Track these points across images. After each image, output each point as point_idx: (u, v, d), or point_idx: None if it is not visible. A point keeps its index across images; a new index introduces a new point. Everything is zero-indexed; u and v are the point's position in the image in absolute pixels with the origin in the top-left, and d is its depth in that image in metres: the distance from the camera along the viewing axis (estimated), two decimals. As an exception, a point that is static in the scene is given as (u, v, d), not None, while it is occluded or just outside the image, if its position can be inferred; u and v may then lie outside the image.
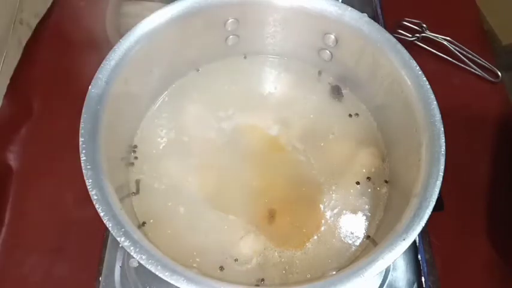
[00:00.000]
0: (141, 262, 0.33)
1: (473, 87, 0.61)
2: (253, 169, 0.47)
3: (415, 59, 0.43)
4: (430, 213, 0.36)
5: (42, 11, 0.63)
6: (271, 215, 0.45)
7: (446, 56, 0.62)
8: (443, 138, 0.39)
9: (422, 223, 0.35)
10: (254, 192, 0.46)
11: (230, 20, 0.48)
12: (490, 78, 0.61)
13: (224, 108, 0.51)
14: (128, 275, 0.45)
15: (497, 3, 0.69)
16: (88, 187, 0.35)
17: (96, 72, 0.40)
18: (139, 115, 0.49)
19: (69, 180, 0.49)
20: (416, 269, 0.47)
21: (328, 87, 0.53)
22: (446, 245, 0.50)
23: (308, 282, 0.34)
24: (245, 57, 0.54)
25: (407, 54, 0.43)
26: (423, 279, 0.46)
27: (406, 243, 0.34)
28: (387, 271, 0.46)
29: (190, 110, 0.51)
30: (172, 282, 0.32)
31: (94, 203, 0.35)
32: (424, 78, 0.42)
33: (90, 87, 0.39)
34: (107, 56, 0.41)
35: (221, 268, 0.42)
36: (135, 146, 0.48)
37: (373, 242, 0.43)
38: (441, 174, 0.37)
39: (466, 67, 0.61)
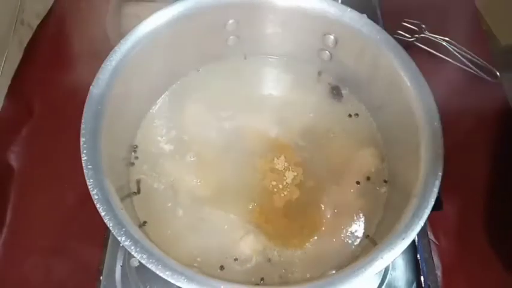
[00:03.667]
0: (142, 261, 0.33)
1: (472, 87, 0.61)
2: (254, 168, 0.47)
3: (414, 59, 0.43)
4: (429, 212, 0.36)
5: (43, 11, 0.63)
6: (272, 215, 0.45)
7: (445, 56, 0.62)
8: (442, 138, 0.39)
9: (422, 223, 0.35)
10: (254, 192, 0.46)
11: (230, 21, 0.48)
12: (489, 79, 0.61)
13: (224, 108, 0.51)
14: (129, 274, 0.45)
15: (496, 4, 0.69)
16: (89, 187, 0.35)
17: (97, 72, 0.40)
18: (139, 115, 0.49)
19: (70, 180, 0.50)
20: (416, 268, 0.47)
21: (328, 87, 0.53)
22: (445, 244, 0.51)
23: (308, 281, 0.34)
24: (245, 58, 0.54)
25: (407, 54, 0.43)
26: (422, 278, 0.46)
27: (405, 243, 0.34)
28: (386, 270, 0.47)
29: (190, 110, 0.51)
30: (172, 281, 0.32)
31: (95, 202, 0.35)
32: (423, 79, 0.42)
33: (91, 87, 0.40)
34: (108, 57, 0.41)
35: (221, 267, 0.42)
36: (136, 146, 0.48)
37: (373, 241, 0.43)
38: (440, 174, 0.38)
39: (465, 67, 0.61)
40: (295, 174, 0.47)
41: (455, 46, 0.61)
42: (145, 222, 0.44)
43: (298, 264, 0.43)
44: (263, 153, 0.48)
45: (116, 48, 0.42)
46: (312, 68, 0.54)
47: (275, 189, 0.46)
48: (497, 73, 0.61)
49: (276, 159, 0.47)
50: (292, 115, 0.51)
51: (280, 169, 0.47)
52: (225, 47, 0.52)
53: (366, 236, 0.44)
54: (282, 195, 0.46)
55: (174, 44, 0.47)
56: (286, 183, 0.46)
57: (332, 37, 0.48)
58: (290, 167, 0.47)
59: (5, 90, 0.56)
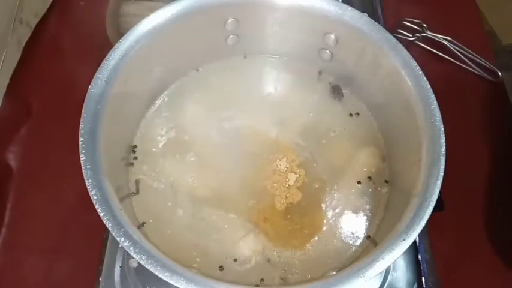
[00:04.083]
0: (141, 262, 0.33)
1: (473, 87, 0.61)
2: (254, 168, 0.47)
3: (415, 58, 0.43)
4: (430, 213, 0.36)
5: (42, 10, 0.62)
6: (272, 215, 0.45)
7: (447, 55, 0.62)
8: (444, 138, 0.39)
9: (423, 223, 0.35)
10: (255, 192, 0.46)
11: (230, 20, 0.48)
12: (490, 78, 0.61)
13: (224, 108, 0.50)
14: (128, 275, 0.45)
15: (497, 3, 0.69)
16: (88, 187, 0.35)
17: (95, 72, 0.40)
18: (139, 115, 0.49)
19: (68, 180, 0.50)
20: (417, 269, 0.47)
21: (329, 87, 0.53)
22: (447, 245, 0.50)
23: (308, 282, 0.34)
24: (245, 57, 0.54)
25: (408, 54, 0.43)
26: (423, 279, 0.46)
27: (406, 244, 0.34)
28: (387, 271, 0.46)
29: (190, 110, 0.50)
30: (172, 282, 0.32)
31: (94, 203, 0.34)
32: (424, 78, 0.42)
33: (89, 87, 0.39)
34: (107, 56, 0.41)
35: (221, 268, 0.42)
36: (135, 146, 0.48)
37: (374, 242, 0.42)
38: (441, 174, 0.37)
39: (466, 67, 0.61)
40: (297, 176, 0.46)
41: (456, 45, 0.61)
42: (144, 222, 0.43)
43: (298, 265, 0.42)
44: (264, 153, 0.48)
45: (115, 47, 0.42)
46: (312, 68, 0.53)
47: (276, 192, 0.46)
48: (499, 73, 0.61)
49: (278, 160, 0.47)
50: (293, 115, 0.51)
51: (282, 170, 0.47)
52: (224, 46, 0.51)
53: (366, 236, 0.44)
54: (284, 197, 0.45)
55: (174, 43, 0.46)
56: (288, 185, 0.46)
57: (332, 36, 0.48)
58: (292, 168, 0.47)
59: (3, 89, 0.56)
